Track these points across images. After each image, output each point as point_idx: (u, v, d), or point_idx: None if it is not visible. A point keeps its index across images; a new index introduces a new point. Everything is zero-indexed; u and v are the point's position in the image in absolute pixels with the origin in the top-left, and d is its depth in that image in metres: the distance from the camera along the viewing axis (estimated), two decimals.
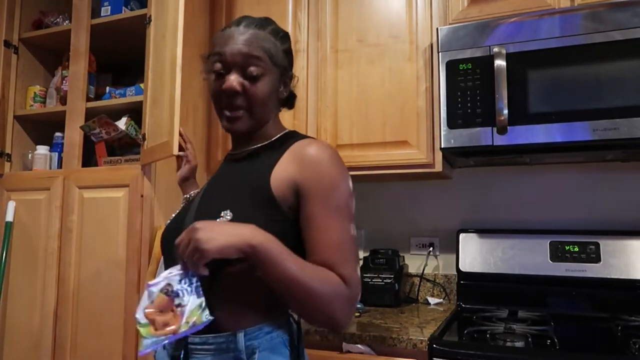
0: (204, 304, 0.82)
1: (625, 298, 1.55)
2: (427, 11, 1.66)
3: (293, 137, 0.97)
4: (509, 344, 1.22)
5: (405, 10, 1.69)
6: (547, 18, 1.44)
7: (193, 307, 0.81)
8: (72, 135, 1.79)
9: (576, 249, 1.62)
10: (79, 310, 1.66)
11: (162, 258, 1.04)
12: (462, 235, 1.77)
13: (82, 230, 1.70)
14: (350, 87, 1.74)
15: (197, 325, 0.80)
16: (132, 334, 1.56)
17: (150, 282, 0.81)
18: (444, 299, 1.85)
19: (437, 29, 1.58)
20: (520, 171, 1.83)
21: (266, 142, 0.98)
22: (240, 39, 0.92)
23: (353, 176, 1.75)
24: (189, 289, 0.81)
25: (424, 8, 1.67)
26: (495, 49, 1.44)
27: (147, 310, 0.80)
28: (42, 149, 1.92)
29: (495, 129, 1.45)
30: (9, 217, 1.81)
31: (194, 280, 0.82)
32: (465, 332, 1.37)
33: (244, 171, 0.95)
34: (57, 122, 1.93)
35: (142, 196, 1.61)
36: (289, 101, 1.05)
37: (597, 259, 1.59)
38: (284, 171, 0.89)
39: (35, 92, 2.02)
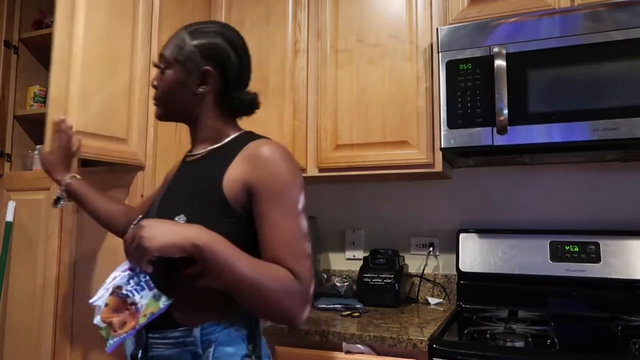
0: (157, 294, 0.85)
1: (625, 298, 1.55)
2: (427, 11, 1.66)
3: (247, 138, 1.00)
4: (509, 344, 1.22)
5: (405, 10, 1.69)
6: (547, 18, 1.44)
7: (147, 301, 0.85)
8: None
9: (576, 249, 1.62)
10: (79, 311, 1.66)
11: None
12: (462, 235, 1.77)
13: (82, 230, 1.70)
14: (350, 87, 1.74)
15: (156, 313, 0.85)
16: None
17: (94, 298, 0.85)
18: (444, 299, 1.85)
19: (437, 29, 1.58)
20: (520, 171, 1.83)
21: (219, 144, 1.03)
22: (168, 39, 1.06)
23: (353, 176, 1.77)
24: (138, 287, 0.85)
25: (424, 8, 1.67)
26: (495, 49, 1.44)
27: (102, 316, 0.84)
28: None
29: (495, 129, 1.45)
30: (9, 217, 1.81)
31: (142, 276, 0.86)
32: (465, 332, 1.37)
33: (198, 174, 0.99)
34: None
35: (142, 196, 1.61)
36: (233, 104, 1.04)
37: (597, 259, 1.59)
38: (235, 173, 0.93)
39: (35, 92, 2.02)
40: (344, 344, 1.35)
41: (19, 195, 1.85)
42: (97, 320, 0.84)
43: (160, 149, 1.67)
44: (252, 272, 0.84)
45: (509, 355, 1.17)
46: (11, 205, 1.82)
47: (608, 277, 1.57)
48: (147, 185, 1.62)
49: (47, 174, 1.36)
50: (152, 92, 1.09)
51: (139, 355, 0.91)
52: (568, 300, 1.61)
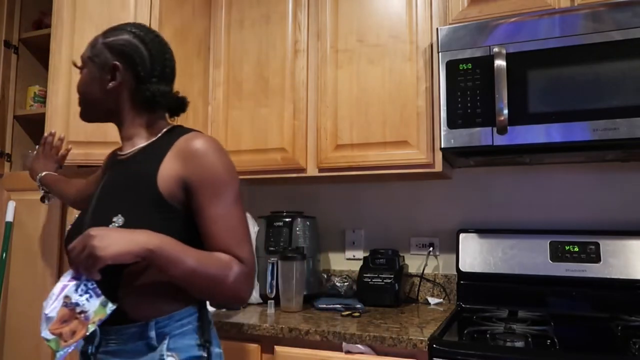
0: (104, 300, 0.87)
1: (625, 298, 1.55)
2: (427, 11, 1.66)
3: (177, 133, 1.02)
4: (509, 344, 1.22)
5: (405, 10, 1.69)
6: (547, 18, 1.44)
7: (96, 308, 0.86)
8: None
9: (576, 249, 1.62)
10: None
11: None
12: (462, 235, 1.77)
13: None
14: (350, 87, 1.74)
15: (103, 319, 0.86)
16: None
17: (46, 310, 0.85)
18: (444, 299, 1.85)
19: (437, 29, 1.58)
20: (520, 171, 1.83)
21: (149, 142, 1.05)
22: None
23: (353, 176, 1.77)
24: (87, 295, 0.86)
25: (424, 8, 1.67)
26: (495, 49, 1.44)
27: (51, 328, 0.84)
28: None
29: (495, 129, 1.45)
30: (9, 217, 1.81)
31: (89, 284, 0.86)
32: (465, 332, 1.37)
33: (130, 173, 1.01)
34: None
35: None
36: (144, 96, 1.03)
37: (597, 259, 1.59)
38: (169, 169, 0.96)
39: (35, 92, 2.03)
40: (344, 344, 1.35)
41: (19, 195, 1.85)
42: (44, 333, 0.84)
43: None
44: (200, 265, 0.88)
45: (509, 355, 1.17)
46: (11, 205, 1.82)
47: (608, 277, 1.57)
48: None
49: (30, 176, 1.56)
50: None
51: (90, 350, 0.95)
52: (568, 300, 1.61)
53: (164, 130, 1.06)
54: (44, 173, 1.50)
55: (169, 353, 0.93)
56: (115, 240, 0.83)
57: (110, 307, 0.87)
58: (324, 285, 1.95)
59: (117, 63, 1.02)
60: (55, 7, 1.78)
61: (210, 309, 1.50)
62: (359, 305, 1.65)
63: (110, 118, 1.07)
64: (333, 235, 2.07)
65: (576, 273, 1.60)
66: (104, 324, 0.91)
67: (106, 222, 0.93)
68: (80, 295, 0.85)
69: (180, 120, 1.77)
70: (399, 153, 1.65)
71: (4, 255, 1.78)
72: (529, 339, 1.25)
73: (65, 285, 0.85)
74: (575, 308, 1.60)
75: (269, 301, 1.70)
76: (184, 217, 0.96)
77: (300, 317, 1.54)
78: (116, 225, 0.92)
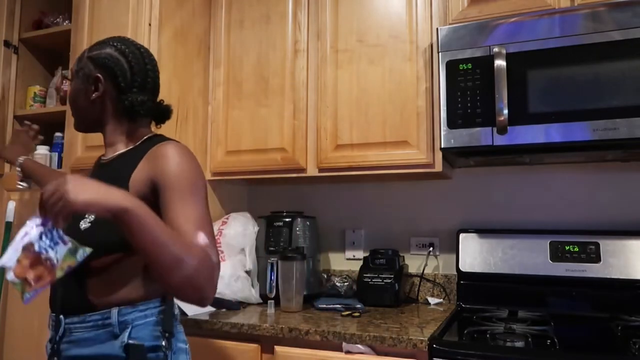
0: (72, 248, 0.84)
1: (625, 298, 1.55)
2: (427, 11, 1.66)
3: (154, 140, 1.09)
4: (509, 344, 1.22)
5: (405, 10, 1.69)
6: (547, 18, 1.44)
7: (63, 255, 0.83)
8: (72, 136, 1.79)
9: (576, 249, 1.62)
10: None
11: None
12: (462, 235, 1.77)
13: None
14: (350, 87, 1.74)
15: (73, 265, 0.84)
16: None
17: (3, 260, 0.82)
18: (444, 299, 1.85)
19: (437, 29, 1.58)
20: (520, 171, 1.83)
21: (128, 148, 1.11)
22: None
23: (353, 176, 1.77)
24: (51, 243, 0.82)
25: (424, 8, 1.67)
26: (495, 49, 1.44)
27: (16, 271, 0.81)
28: (42, 149, 1.92)
29: (495, 129, 1.45)
30: (9, 217, 1.81)
31: (55, 232, 0.83)
32: (465, 332, 1.37)
33: (107, 175, 1.05)
34: (57, 122, 1.94)
35: None
36: (124, 106, 1.09)
37: (597, 259, 1.59)
38: (141, 172, 1.01)
39: (35, 92, 2.03)
40: (344, 344, 1.35)
41: (19, 195, 1.85)
42: (10, 276, 0.81)
43: None
44: (173, 244, 0.86)
45: (509, 355, 1.17)
46: (11, 205, 1.82)
47: (608, 277, 1.57)
48: None
49: (2, 158, 1.65)
50: None
51: (57, 339, 0.99)
52: (568, 300, 1.61)
53: (144, 137, 1.12)
54: (22, 158, 1.55)
55: (131, 341, 0.96)
56: (90, 188, 0.81)
57: (82, 253, 0.84)
58: (324, 285, 1.95)
59: (99, 75, 1.09)
60: (75, 17, 1.82)
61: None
62: (359, 305, 1.65)
63: (97, 127, 1.14)
64: (333, 235, 2.07)
65: (576, 273, 1.60)
66: (69, 313, 0.97)
67: (78, 218, 0.98)
68: (45, 243, 0.82)
69: (181, 121, 1.78)
70: (399, 153, 1.65)
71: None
72: (529, 339, 1.25)
73: (28, 231, 0.82)
74: (575, 308, 1.60)
75: (269, 301, 1.70)
76: None
77: (300, 317, 1.54)
78: (87, 221, 0.98)
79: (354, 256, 2.03)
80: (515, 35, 1.46)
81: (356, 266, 1.97)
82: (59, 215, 0.81)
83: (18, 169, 1.54)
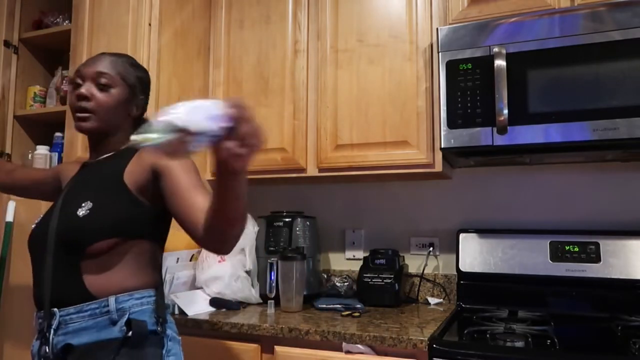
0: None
1: (625, 298, 1.55)
2: (427, 11, 1.66)
3: None
4: (509, 344, 1.22)
5: (405, 10, 1.69)
6: (547, 18, 1.44)
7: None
8: (72, 135, 1.79)
9: (576, 249, 1.62)
10: None
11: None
12: (462, 235, 1.77)
13: None
14: (350, 87, 1.74)
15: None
16: None
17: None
18: (444, 299, 1.85)
19: (437, 29, 1.58)
20: (520, 171, 1.83)
21: (116, 151, 1.17)
22: (97, 60, 1.15)
23: (353, 176, 1.77)
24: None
25: (424, 8, 1.67)
26: (495, 49, 1.44)
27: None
28: (42, 149, 1.92)
29: (495, 129, 1.45)
30: (9, 217, 1.81)
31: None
32: (465, 332, 1.37)
33: (99, 172, 1.12)
34: (57, 122, 1.94)
35: None
36: (138, 123, 1.20)
37: (597, 259, 1.59)
38: (136, 164, 1.08)
39: (35, 92, 2.02)
40: (344, 344, 1.35)
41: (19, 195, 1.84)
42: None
43: None
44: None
45: (509, 355, 1.17)
46: (11, 205, 1.82)
47: (608, 277, 1.57)
48: None
49: None
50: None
51: (51, 334, 0.99)
52: (568, 300, 1.61)
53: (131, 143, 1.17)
54: None
55: (132, 316, 1.01)
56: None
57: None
58: (324, 285, 1.95)
59: (143, 97, 1.22)
60: (75, 17, 1.82)
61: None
62: (359, 305, 1.65)
63: (107, 133, 1.17)
64: (333, 235, 2.07)
65: (576, 273, 1.60)
66: (63, 305, 1.00)
67: (75, 207, 1.04)
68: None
69: None
70: (399, 153, 1.65)
71: (4, 255, 1.78)
72: (529, 339, 1.25)
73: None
74: (575, 308, 1.60)
75: (269, 301, 1.70)
76: (152, 213, 1.08)
77: (300, 317, 1.54)
78: (85, 208, 1.03)
79: (354, 256, 2.03)
80: (515, 35, 1.46)
81: (356, 266, 1.97)
82: (247, 156, 0.69)
83: None
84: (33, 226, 1.13)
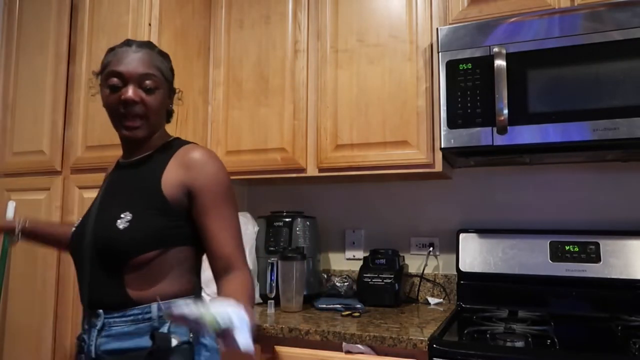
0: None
1: (625, 298, 1.55)
2: (427, 11, 1.66)
3: (177, 143, 1.13)
4: (509, 344, 1.22)
5: (405, 10, 1.69)
6: (547, 18, 1.44)
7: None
8: (72, 135, 1.79)
9: (576, 249, 1.62)
10: (78, 310, 1.66)
11: None
12: (462, 235, 1.77)
13: None
14: (350, 87, 1.74)
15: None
16: None
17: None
18: (444, 299, 1.85)
19: (437, 29, 1.58)
20: (520, 171, 1.83)
21: (152, 151, 1.12)
22: (134, 56, 1.06)
23: (353, 176, 1.77)
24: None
25: (424, 8, 1.67)
26: (495, 49, 1.44)
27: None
28: None
29: (495, 129, 1.45)
30: (9, 217, 1.81)
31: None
32: (465, 332, 1.37)
33: (136, 177, 1.09)
34: None
35: None
36: (169, 115, 1.20)
37: (597, 259, 1.59)
38: (172, 176, 1.05)
39: None
40: (344, 344, 1.35)
41: (19, 195, 1.84)
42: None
43: None
44: (249, 302, 0.95)
45: (509, 355, 1.17)
46: (11, 205, 1.82)
47: (608, 277, 1.57)
48: None
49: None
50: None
51: (94, 333, 0.99)
52: (568, 300, 1.61)
53: (167, 140, 1.15)
54: (20, 221, 1.27)
55: (170, 332, 0.99)
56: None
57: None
58: (324, 285, 1.95)
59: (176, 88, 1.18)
60: (75, 17, 1.84)
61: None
62: (359, 305, 1.65)
63: (153, 134, 1.12)
64: (333, 235, 2.07)
65: (576, 273, 1.60)
66: (108, 309, 0.99)
67: (113, 217, 1.01)
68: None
69: (181, 121, 1.78)
70: (399, 153, 1.65)
71: (4, 255, 1.78)
72: (529, 339, 1.25)
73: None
74: (575, 308, 1.60)
75: (269, 301, 1.70)
76: (184, 222, 1.05)
77: (300, 317, 1.54)
78: (125, 220, 1.00)
79: (354, 256, 2.03)
80: (515, 35, 1.46)
81: (356, 266, 1.97)
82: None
83: (18, 233, 1.26)
84: (74, 228, 1.11)
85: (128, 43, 1.09)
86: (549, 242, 1.65)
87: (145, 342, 0.98)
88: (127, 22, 1.71)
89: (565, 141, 1.38)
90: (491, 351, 1.19)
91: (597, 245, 1.60)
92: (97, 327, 1.00)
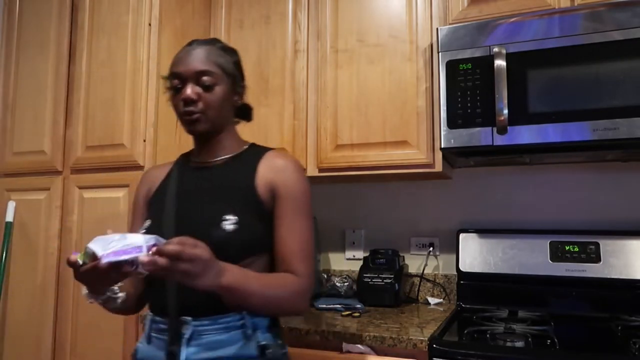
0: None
1: (625, 298, 1.55)
2: (427, 11, 1.66)
3: (260, 148, 1.15)
4: (509, 344, 1.22)
5: (405, 10, 1.69)
6: (547, 18, 1.44)
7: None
8: (72, 135, 1.79)
9: (576, 249, 1.62)
10: (79, 310, 1.66)
11: None
12: (462, 235, 1.77)
13: (82, 230, 1.70)
14: (350, 87, 1.74)
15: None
16: (131, 334, 1.56)
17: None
18: (444, 299, 1.85)
19: (437, 29, 1.58)
20: (520, 171, 1.83)
21: (236, 153, 1.13)
22: (192, 55, 1.06)
23: (353, 176, 1.77)
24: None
25: (424, 8, 1.67)
26: (495, 49, 1.44)
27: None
28: None
29: (495, 129, 1.45)
30: (9, 217, 1.81)
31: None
32: (465, 332, 1.37)
33: (227, 179, 1.07)
34: None
35: None
36: (245, 113, 1.19)
37: (597, 259, 1.59)
38: (263, 179, 1.05)
39: None
40: (344, 344, 1.35)
41: (19, 195, 1.84)
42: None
43: (160, 148, 1.67)
44: (266, 290, 0.94)
45: (509, 355, 1.17)
46: (11, 205, 1.82)
47: (608, 277, 1.57)
48: None
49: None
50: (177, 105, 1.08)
51: (183, 340, 0.94)
52: (568, 300, 1.61)
53: (247, 145, 1.16)
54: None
55: (264, 342, 0.98)
56: (212, 273, 0.84)
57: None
58: (324, 285, 1.95)
59: (244, 82, 1.15)
60: (75, 17, 1.84)
61: None
62: (359, 305, 1.65)
63: (219, 130, 1.11)
64: (333, 235, 2.07)
65: (576, 273, 1.60)
66: (198, 316, 0.95)
67: (217, 219, 0.99)
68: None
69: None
70: (399, 153, 1.65)
71: (4, 255, 1.78)
72: (529, 339, 1.25)
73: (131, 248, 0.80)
74: (575, 308, 1.60)
75: None
76: (271, 224, 1.05)
77: (300, 317, 1.54)
78: (231, 223, 0.98)
79: (354, 256, 2.03)
80: (515, 35, 1.46)
81: (356, 266, 1.97)
82: (175, 276, 0.80)
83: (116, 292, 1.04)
84: (143, 230, 1.05)
85: (190, 43, 1.09)
86: (549, 242, 1.65)
87: (243, 350, 0.95)
88: (127, 22, 1.71)
89: (565, 141, 1.38)
90: (491, 351, 1.19)
91: (597, 245, 1.60)
92: (186, 336, 0.94)
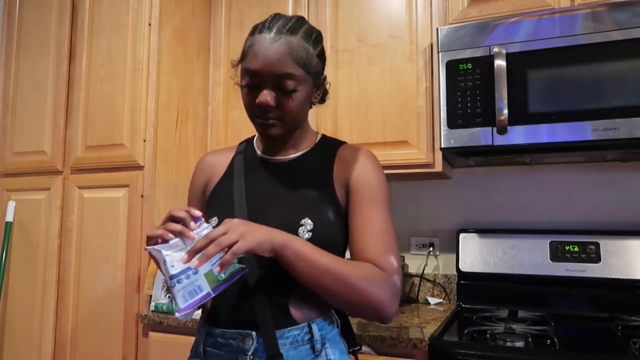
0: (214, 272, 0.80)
1: (625, 298, 1.55)
2: (427, 11, 1.66)
3: (330, 140, 1.06)
4: (509, 344, 1.22)
5: (405, 10, 1.69)
6: (547, 18, 1.44)
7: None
8: (72, 135, 1.79)
9: (576, 249, 1.62)
10: (79, 311, 1.66)
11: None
12: (462, 235, 1.77)
13: (82, 230, 1.70)
14: (350, 87, 1.74)
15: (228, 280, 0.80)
16: (131, 334, 1.56)
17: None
18: (444, 299, 1.85)
19: (437, 29, 1.58)
20: (520, 171, 1.83)
21: (311, 147, 1.03)
22: (272, 51, 0.89)
23: None
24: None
25: (424, 8, 1.67)
26: (495, 49, 1.44)
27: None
28: None
29: (495, 129, 1.45)
30: (9, 217, 1.81)
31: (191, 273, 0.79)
32: (465, 332, 1.37)
33: (304, 176, 0.98)
34: None
35: (142, 196, 1.62)
36: (322, 98, 1.07)
37: (597, 259, 1.59)
38: (338, 175, 0.97)
39: None
40: None
41: (19, 195, 1.85)
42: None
43: (160, 148, 1.67)
44: (335, 265, 0.83)
45: (509, 355, 1.17)
46: (11, 205, 1.82)
47: (608, 277, 1.57)
48: (146, 184, 1.62)
49: None
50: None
51: (247, 356, 0.86)
52: (568, 300, 1.61)
53: (318, 137, 1.06)
54: None
55: (334, 358, 0.89)
56: (259, 230, 0.81)
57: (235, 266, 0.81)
58: None
59: (325, 75, 1.02)
60: (75, 17, 1.85)
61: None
62: None
63: (295, 130, 1.01)
64: None
65: (576, 273, 1.60)
66: (258, 329, 0.86)
67: (293, 224, 0.90)
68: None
69: (181, 121, 1.78)
70: (398, 153, 1.65)
71: (4, 255, 1.78)
72: (529, 339, 1.25)
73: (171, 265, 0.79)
74: (575, 308, 1.60)
75: None
76: (346, 223, 0.97)
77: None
78: (306, 229, 0.90)
79: None
80: (515, 35, 1.46)
81: None
82: (234, 254, 0.76)
83: None
84: (210, 229, 0.96)
85: (270, 27, 0.92)
86: (549, 242, 1.65)
87: None
88: (127, 22, 1.71)
89: (565, 141, 1.38)
90: (491, 351, 1.19)
91: (597, 245, 1.60)
92: (249, 352, 0.85)
